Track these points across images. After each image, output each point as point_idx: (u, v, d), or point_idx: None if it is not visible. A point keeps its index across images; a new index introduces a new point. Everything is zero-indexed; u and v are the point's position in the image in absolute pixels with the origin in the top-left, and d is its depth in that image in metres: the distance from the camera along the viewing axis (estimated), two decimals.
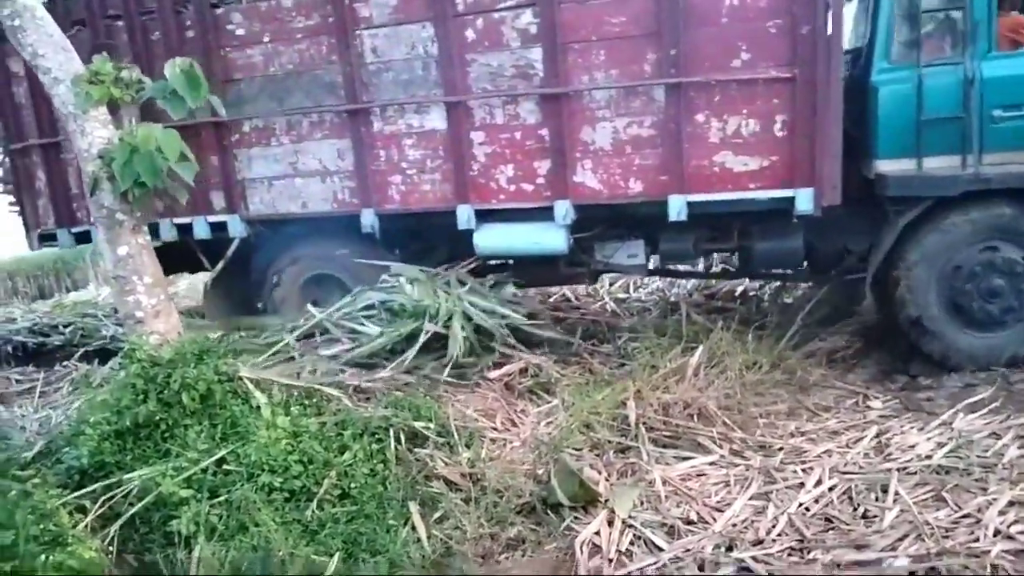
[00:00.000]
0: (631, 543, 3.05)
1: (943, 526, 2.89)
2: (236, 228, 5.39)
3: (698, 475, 3.53)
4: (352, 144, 5.02)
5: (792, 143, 4.25)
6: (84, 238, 5.89)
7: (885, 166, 4.35)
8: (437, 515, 3.39)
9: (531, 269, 5.38)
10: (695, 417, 3.93)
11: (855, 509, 3.13)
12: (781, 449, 3.70)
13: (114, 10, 5.33)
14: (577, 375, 4.76)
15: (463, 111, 4.74)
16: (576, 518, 3.24)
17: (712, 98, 4.32)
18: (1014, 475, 3.18)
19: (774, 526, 3.05)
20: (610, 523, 3.14)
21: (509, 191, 4.82)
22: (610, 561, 2.94)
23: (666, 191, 4.50)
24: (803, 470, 3.46)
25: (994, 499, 2.97)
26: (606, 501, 3.27)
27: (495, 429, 4.10)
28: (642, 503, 3.30)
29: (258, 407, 3.63)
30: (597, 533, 3.10)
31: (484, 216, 4.92)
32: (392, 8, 4.74)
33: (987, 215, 4.23)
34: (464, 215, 4.89)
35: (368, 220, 5.08)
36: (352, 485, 3.38)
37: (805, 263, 5.16)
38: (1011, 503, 2.95)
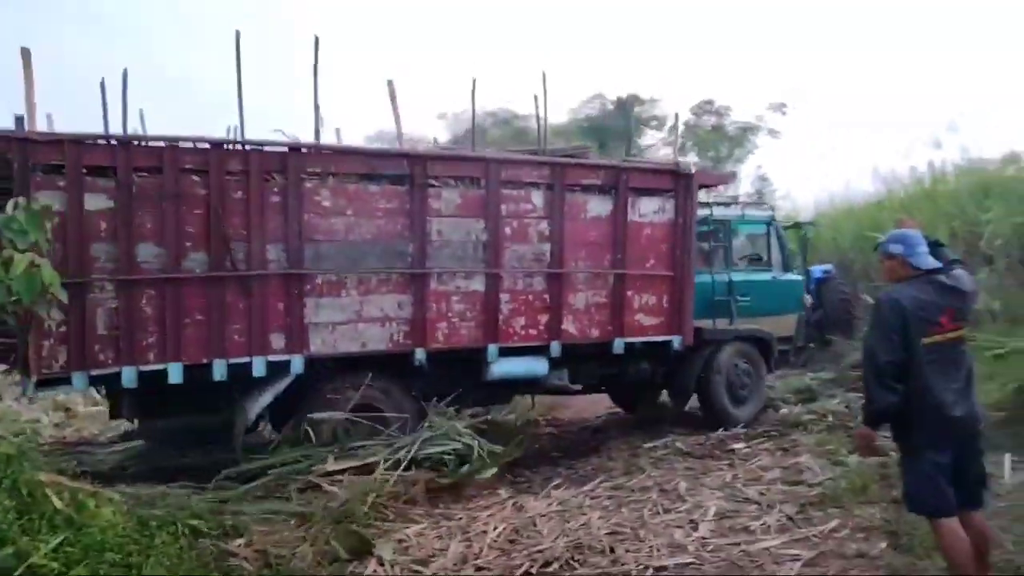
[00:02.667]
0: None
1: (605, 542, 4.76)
2: (297, 366, 6.10)
3: (421, 534, 5.03)
4: (412, 298, 6.52)
5: (671, 310, 7.69)
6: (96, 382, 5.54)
7: (698, 323, 8.14)
8: None
9: (493, 392, 7.46)
10: (404, 503, 5.48)
11: (525, 537, 4.91)
12: (461, 518, 5.35)
13: (192, 164, 5.72)
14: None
15: (498, 279, 6.84)
16: (353, 568, 4.45)
17: (636, 283, 7.50)
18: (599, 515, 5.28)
19: (481, 551, 4.69)
20: (381, 564, 4.49)
21: (521, 334, 7.02)
22: None
23: (612, 335, 7.42)
24: (482, 523, 5.18)
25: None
26: (374, 551, 4.60)
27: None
28: (395, 552, 4.70)
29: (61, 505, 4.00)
30: (374, 571, 4.41)
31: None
32: (456, 205, 6.65)
33: (738, 348, 8.38)
34: (493, 351, 6.86)
35: (420, 356, 6.55)
36: (167, 562, 4.04)
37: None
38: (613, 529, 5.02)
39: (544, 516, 5.32)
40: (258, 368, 5.98)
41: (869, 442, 3.68)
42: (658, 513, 5.37)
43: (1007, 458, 5.90)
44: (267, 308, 6.01)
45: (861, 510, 5.14)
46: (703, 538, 4.83)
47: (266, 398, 6.06)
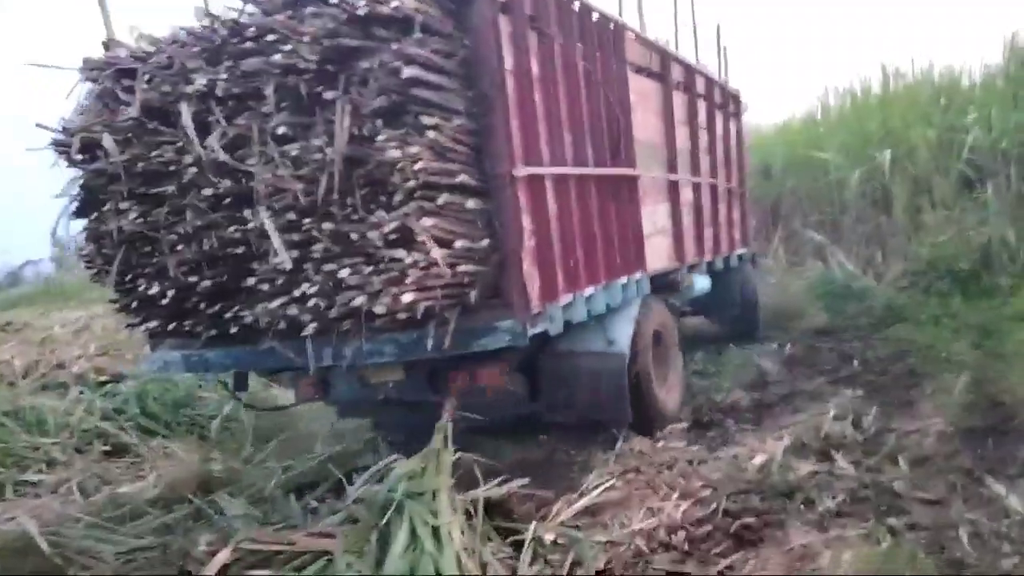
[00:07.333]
0: None
1: None
2: (645, 287, 4.98)
3: None
4: (670, 207, 5.85)
5: (743, 223, 8.30)
6: None
7: None
8: None
9: None
10: None
11: None
12: None
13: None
14: None
15: (698, 188, 6.54)
16: None
17: (732, 196, 7.89)
18: None
19: None
20: None
21: (703, 248, 6.80)
22: None
23: (731, 248, 7.69)
24: None
25: None
26: None
27: None
28: None
29: None
30: None
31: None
32: (683, 111, 6.17)
33: None
34: (703, 265, 6.55)
35: (686, 275, 5.93)
36: None
37: None
38: None
39: None
40: (632, 290, 4.71)
41: None
42: None
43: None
44: (624, 214, 4.77)
45: None
46: None
47: (628, 328, 4.77)
